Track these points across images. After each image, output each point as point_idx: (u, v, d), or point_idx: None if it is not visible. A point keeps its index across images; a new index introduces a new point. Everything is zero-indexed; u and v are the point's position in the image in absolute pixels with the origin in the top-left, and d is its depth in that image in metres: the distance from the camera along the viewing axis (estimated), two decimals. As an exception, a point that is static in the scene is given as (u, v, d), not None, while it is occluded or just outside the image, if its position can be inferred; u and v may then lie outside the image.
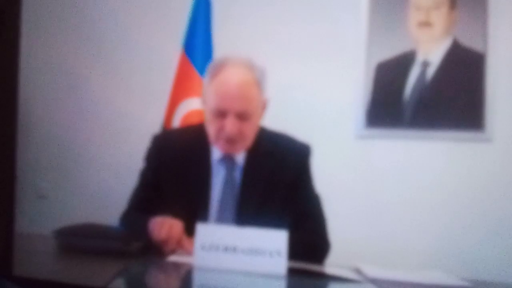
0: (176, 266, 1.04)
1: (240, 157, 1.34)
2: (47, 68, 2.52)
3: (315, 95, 2.28)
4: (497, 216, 2.10)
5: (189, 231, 1.11)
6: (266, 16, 2.34)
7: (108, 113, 2.46)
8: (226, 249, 1.00)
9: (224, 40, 2.16)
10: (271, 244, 0.99)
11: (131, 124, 2.39)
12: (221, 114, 1.26)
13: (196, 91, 2.00)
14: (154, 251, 1.13)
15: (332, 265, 1.20)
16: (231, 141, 1.28)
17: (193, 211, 1.21)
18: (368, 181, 2.22)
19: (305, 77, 2.29)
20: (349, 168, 2.23)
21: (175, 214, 1.19)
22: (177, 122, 2.09)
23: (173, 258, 1.08)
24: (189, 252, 1.08)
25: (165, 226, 1.14)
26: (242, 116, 1.26)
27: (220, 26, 2.18)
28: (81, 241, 1.08)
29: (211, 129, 1.30)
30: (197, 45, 2.12)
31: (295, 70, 2.29)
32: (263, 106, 1.35)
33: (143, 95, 2.41)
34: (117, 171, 2.33)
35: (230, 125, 1.25)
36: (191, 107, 2.06)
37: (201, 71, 2.02)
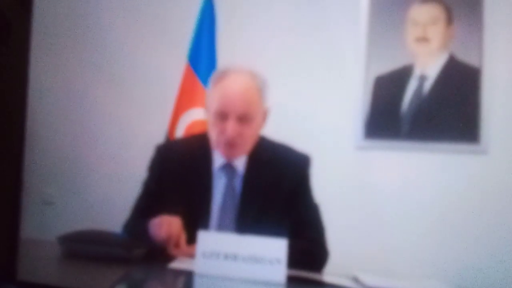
0: (177, 273, 1.04)
1: (240, 165, 1.36)
2: (53, 78, 2.53)
3: (315, 107, 2.30)
4: (493, 227, 2.11)
5: (191, 238, 1.13)
6: (268, 30, 2.37)
7: (113, 122, 2.47)
8: (226, 256, 1.01)
9: (228, 52, 2.18)
10: (271, 252, 1.00)
11: (135, 133, 2.41)
12: (222, 116, 1.29)
13: (199, 102, 2.03)
14: (156, 258, 1.14)
15: (330, 273, 1.21)
16: (231, 145, 1.30)
17: (194, 218, 1.23)
18: (367, 191, 2.23)
19: (305, 89, 2.32)
20: (348, 178, 2.24)
21: None
22: (180, 132, 2.10)
23: (174, 265, 1.09)
24: (190, 255, 1.09)
25: (164, 225, 1.16)
26: (243, 119, 1.28)
27: (224, 39, 2.21)
28: (84, 247, 1.09)
29: (213, 133, 1.33)
30: (202, 57, 2.15)
31: (295, 82, 2.31)
32: (264, 115, 1.37)
33: (147, 105, 2.43)
34: (121, 179, 2.34)
35: (231, 127, 1.27)
36: (195, 117, 2.08)
37: (205, 82, 2.04)
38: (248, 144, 1.34)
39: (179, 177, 1.33)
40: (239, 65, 1.36)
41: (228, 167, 1.36)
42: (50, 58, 2.50)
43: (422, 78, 2.25)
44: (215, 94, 1.32)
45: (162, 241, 1.16)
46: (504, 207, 2.11)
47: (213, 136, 1.33)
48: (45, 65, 2.47)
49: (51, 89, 2.52)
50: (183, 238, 1.17)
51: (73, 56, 2.55)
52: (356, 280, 1.11)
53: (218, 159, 1.36)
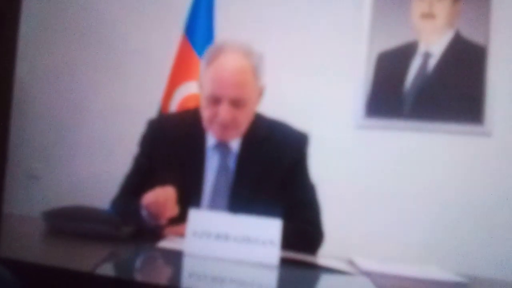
0: (166, 252, 1.02)
1: (235, 144, 1.32)
2: (42, 50, 2.47)
3: (315, 83, 2.25)
4: (495, 210, 2.09)
5: (181, 216, 1.09)
6: (268, 2, 2.31)
7: (104, 95, 2.43)
8: (218, 236, 0.98)
9: (226, 23, 2.13)
10: (264, 233, 0.98)
11: (127, 107, 2.36)
12: (215, 100, 1.25)
13: (195, 75, 1.96)
14: (145, 237, 1.11)
15: (325, 256, 1.19)
16: (224, 128, 1.27)
17: (186, 197, 1.19)
18: (366, 172, 2.20)
19: (306, 65, 2.27)
20: (347, 157, 2.22)
21: None
22: (175, 105, 2.06)
23: (163, 244, 1.06)
24: (180, 234, 1.06)
25: (157, 192, 1.14)
26: (236, 103, 1.25)
27: (222, 9, 2.14)
28: (70, 224, 1.06)
29: (205, 115, 1.30)
30: (199, 28, 2.09)
31: (295, 57, 2.26)
32: (260, 93, 1.34)
33: (140, 78, 2.38)
34: (110, 154, 2.31)
35: (224, 112, 1.24)
36: (190, 90, 2.03)
37: (202, 54, 1.99)
38: (242, 127, 1.31)
39: (171, 153, 1.30)
40: (234, 40, 1.31)
41: (222, 146, 1.33)
42: (39, 30, 2.43)
43: (427, 56, 2.20)
44: (208, 75, 1.28)
45: (156, 210, 1.13)
46: (506, 189, 2.09)
47: (206, 117, 1.30)
48: (35, 37, 2.40)
49: (39, 60, 2.46)
50: (175, 205, 1.14)
51: (63, 28, 2.49)
52: (351, 263, 1.09)
53: (211, 137, 1.33)
